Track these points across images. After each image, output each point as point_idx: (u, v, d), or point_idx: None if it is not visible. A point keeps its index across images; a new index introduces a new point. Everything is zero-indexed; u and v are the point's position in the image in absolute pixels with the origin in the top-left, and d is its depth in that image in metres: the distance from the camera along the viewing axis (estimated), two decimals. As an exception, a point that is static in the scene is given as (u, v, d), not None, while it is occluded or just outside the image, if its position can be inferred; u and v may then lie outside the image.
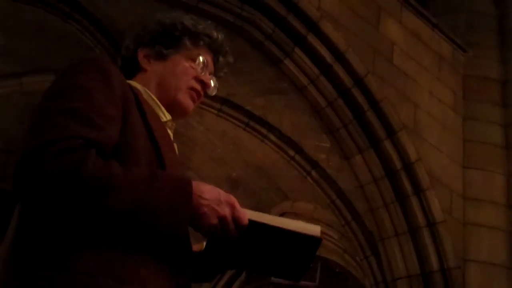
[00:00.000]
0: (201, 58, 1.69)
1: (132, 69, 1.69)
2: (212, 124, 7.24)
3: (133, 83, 1.62)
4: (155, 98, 1.62)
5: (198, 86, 1.69)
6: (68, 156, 1.24)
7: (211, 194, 1.36)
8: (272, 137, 6.90)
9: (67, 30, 6.34)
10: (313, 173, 6.73)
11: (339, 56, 5.62)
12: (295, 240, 1.40)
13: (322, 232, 1.43)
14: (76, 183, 1.23)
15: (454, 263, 5.69)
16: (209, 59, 1.72)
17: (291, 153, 6.87)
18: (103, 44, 6.18)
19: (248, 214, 1.38)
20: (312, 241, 1.41)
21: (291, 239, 1.40)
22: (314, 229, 1.41)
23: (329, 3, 5.72)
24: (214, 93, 1.77)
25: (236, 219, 1.36)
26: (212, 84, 1.73)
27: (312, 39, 5.52)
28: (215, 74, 1.75)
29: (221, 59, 1.75)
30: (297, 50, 5.55)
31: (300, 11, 5.45)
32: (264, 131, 6.91)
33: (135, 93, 1.50)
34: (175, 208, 1.30)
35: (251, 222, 1.37)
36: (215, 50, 1.73)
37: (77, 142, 1.27)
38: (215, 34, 1.73)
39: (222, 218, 1.35)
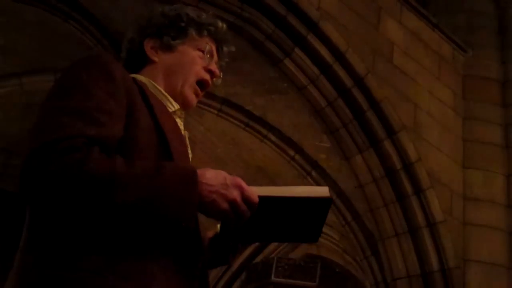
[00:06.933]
0: (208, 47, 1.71)
1: (139, 61, 1.69)
2: (212, 124, 7.24)
3: (139, 77, 1.62)
4: (161, 89, 1.63)
5: (207, 76, 1.70)
6: (71, 155, 1.25)
7: (217, 180, 1.36)
8: (272, 137, 6.90)
9: (67, 30, 6.34)
10: (313, 173, 6.74)
11: (339, 56, 5.62)
12: (307, 205, 1.42)
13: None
14: (79, 182, 1.24)
15: (454, 263, 5.69)
16: (214, 48, 1.74)
17: (291, 153, 6.87)
18: (103, 44, 6.18)
19: (257, 191, 1.39)
20: (324, 202, 1.43)
21: (303, 205, 1.42)
22: (322, 191, 1.43)
23: (329, 3, 5.72)
24: (219, 82, 1.79)
25: (246, 199, 1.37)
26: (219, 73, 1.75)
27: (312, 39, 5.52)
28: (218, 63, 1.77)
29: (224, 48, 1.77)
30: (297, 50, 5.55)
31: (300, 11, 5.44)
32: (264, 131, 6.91)
33: (140, 86, 1.51)
34: (181, 199, 1.30)
35: (261, 198, 1.38)
36: (219, 40, 1.75)
37: (80, 140, 1.28)
38: (219, 23, 1.75)
39: (232, 202, 1.36)
